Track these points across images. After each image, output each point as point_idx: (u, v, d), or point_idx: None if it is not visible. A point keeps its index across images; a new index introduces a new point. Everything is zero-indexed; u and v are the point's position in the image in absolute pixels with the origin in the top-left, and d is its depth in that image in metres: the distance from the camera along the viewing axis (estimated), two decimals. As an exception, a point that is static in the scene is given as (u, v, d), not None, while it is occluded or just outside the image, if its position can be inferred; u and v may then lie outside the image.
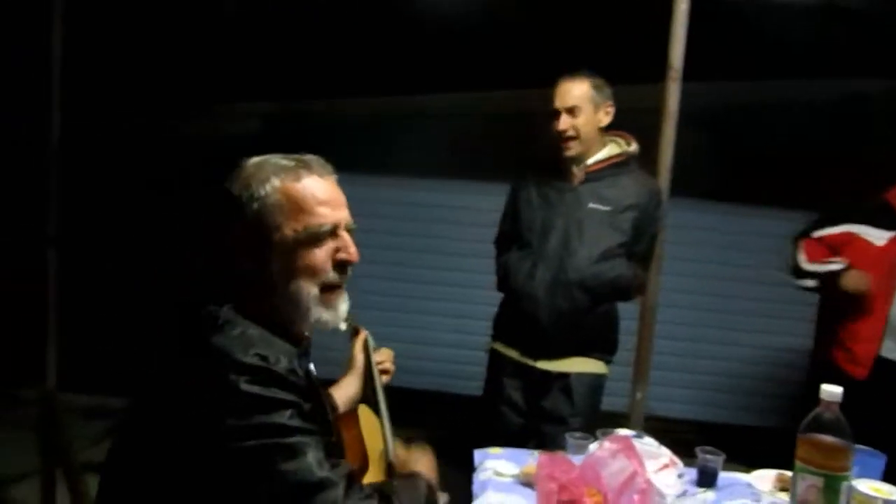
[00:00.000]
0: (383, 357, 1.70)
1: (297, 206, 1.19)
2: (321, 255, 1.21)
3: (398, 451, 1.49)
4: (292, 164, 1.22)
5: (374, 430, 1.61)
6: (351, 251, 1.24)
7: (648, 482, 1.38)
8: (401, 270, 4.34)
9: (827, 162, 3.77)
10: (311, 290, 1.20)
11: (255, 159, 1.24)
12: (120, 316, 4.21)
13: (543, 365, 2.49)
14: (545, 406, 2.50)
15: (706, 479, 1.73)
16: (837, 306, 2.89)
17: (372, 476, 1.52)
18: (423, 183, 4.39)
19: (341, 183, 1.28)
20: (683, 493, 1.62)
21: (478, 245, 3.13)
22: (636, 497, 1.36)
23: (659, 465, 1.65)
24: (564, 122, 2.43)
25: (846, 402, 1.40)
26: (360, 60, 4.05)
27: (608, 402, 2.65)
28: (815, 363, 3.26)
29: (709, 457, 1.74)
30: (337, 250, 1.23)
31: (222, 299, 1.19)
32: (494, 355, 2.63)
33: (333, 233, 1.22)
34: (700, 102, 2.94)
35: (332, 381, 1.65)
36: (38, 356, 3.14)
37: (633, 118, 2.58)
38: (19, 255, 3.26)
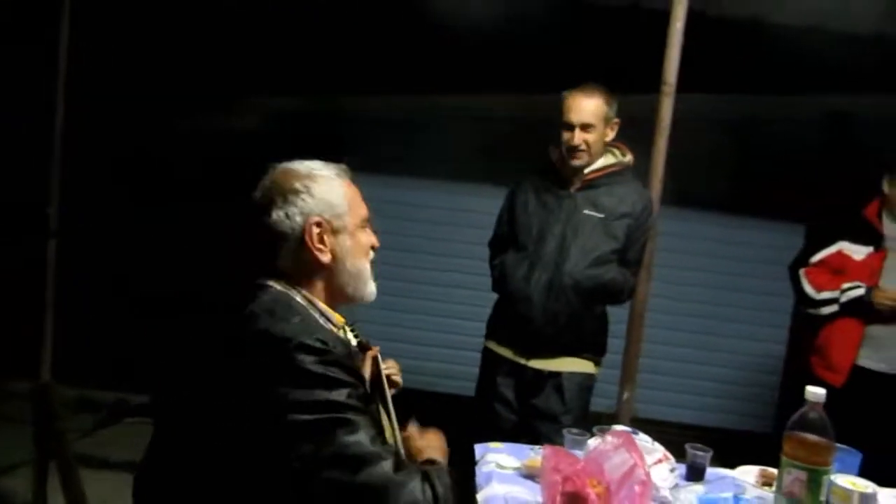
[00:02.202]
0: (391, 368, 1.79)
1: (353, 199, 1.43)
2: (368, 239, 1.46)
3: (413, 435, 1.56)
4: (335, 166, 1.45)
5: (389, 433, 1.68)
6: (375, 238, 1.49)
7: (648, 474, 1.47)
8: (396, 271, 4.40)
9: (812, 176, 3.91)
10: (367, 265, 1.45)
11: (297, 162, 1.43)
12: (113, 310, 4.22)
13: (536, 364, 2.58)
14: (537, 404, 2.59)
15: (695, 474, 1.83)
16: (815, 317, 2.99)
17: None
18: (421, 184, 4.47)
19: None
20: (676, 486, 1.71)
21: (472, 247, 3.21)
22: (637, 488, 1.45)
23: (653, 459, 1.74)
24: (578, 138, 2.52)
25: (823, 407, 1.51)
26: (364, 61, 4.10)
27: (596, 403, 2.75)
28: (792, 370, 3.38)
29: (698, 453, 1.84)
30: (370, 238, 1.47)
31: (270, 284, 1.35)
32: (488, 354, 2.71)
33: (368, 222, 1.48)
34: (693, 114, 3.05)
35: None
36: (30, 349, 3.16)
37: (626, 128, 2.68)
38: (18, 247, 3.27)
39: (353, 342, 1.67)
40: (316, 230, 1.36)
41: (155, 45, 4.04)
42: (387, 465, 1.19)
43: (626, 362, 2.81)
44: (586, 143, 2.53)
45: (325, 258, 1.37)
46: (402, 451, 1.60)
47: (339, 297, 1.42)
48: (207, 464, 1.23)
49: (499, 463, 1.84)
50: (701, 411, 4.45)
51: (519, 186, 2.72)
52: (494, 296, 2.75)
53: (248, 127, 4.51)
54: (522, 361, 2.60)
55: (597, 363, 2.66)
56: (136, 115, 4.18)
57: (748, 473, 1.88)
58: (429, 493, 1.22)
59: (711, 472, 1.87)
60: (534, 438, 2.54)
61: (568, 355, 2.58)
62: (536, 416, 2.59)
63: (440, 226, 4.50)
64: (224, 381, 1.24)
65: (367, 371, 1.75)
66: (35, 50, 3.00)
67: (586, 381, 2.63)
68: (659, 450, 1.78)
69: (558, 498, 1.48)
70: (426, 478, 1.25)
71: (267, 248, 1.38)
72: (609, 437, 1.56)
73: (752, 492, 1.76)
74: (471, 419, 2.71)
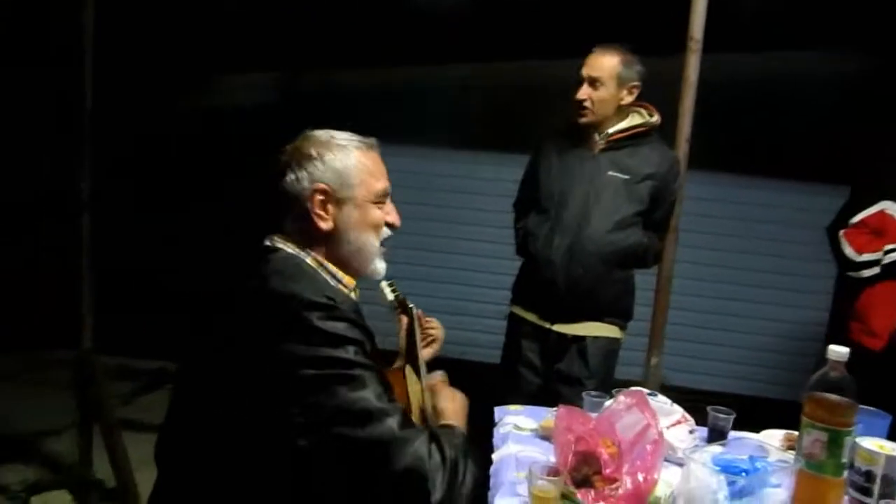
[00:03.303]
0: (435, 324, 1.86)
1: (369, 172, 1.41)
2: (380, 215, 1.43)
3: (438, 388, 1.58)
4: (359, 138, 1.44)
5: (416, 391, 1.71)
6: (396, 216, 1.47)
7: (660, 434, 1.46)
8: (421, 240, 4.42)
9: (846, 135, 3.76)
10: (374, 242, 1.42)
11: (324, 131, 1.43)
12: (150, 281, 4.34)
13: (560, 328, 2.57)
14: (561, 368, 2.58)
15: (716, 437, 1.80)
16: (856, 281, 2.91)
17: None
18: (444, 153, 4.45)
19: None
20: (694, 448, 1.69)
21: (495, 214, 3.19)
22: (648, 447, 1.44)
23: (671, 421, 1.72)
24: (583, 92, 2.48)
25: (862, 372, 1.47)
26: (381, 30, 4.08)
27: (624, 371, 2.73)
28: (835, 337, 3.30)
29: (719, 415, 1.81)
30: (387, 214, 1.45)
31: (281, 245, 1.36)
32: (513, 318, 2.71)
33: (386, 198, 1.45)
34: (719, 74, 2.95)
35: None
36: (73, 319, 3.27)
37: (653, 89, 2.61)
38: (56, 220, 3.38)
39: (391, 298, 1.71)
40: (319, 197, 1.36)
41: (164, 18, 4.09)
42: (392, 422, 1.19)
43: (653, 328, 2.77)
44: (591, 99, 2.48)
45: (325, 225, 1.37)
46: (428, 407, 1.63)
47: (342, 267, 1.41)
48: (220, 422, 1.25)
49: (516, 424, 1.85)
50: (735, 379, 4.37)
51: (542, 148, 2.68)
52: (518, 265, 2.74)
53: (271, 102, 4.54)
54: (546, 325, 2.59)
55: (622, 328, 2.63)
56: (148, 94, 4.25)
57: (773, 437, 1.84)
58: (436, 453, 1.22)
59: (735, 435, 1.84)
60: (558, 402, 2.53)
61: (591, 319, 2.56)
62: (560, 380, 2.58)
63: (467, 194, 4.48)
64: (234, 339, 1.25)
65: (402, 327, 1.79)
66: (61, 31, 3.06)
67: (611, 346, 2.60)
68: (677, 411, 1.76)
69: (570, 457, 1.47)
70: (434, 438, 1.25)
71: (280, 211, 1.40)
72: (622, 397, 1.54)
73: (776, 455, 1.72)
74: (497, 385, 2.73)
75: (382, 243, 1.45)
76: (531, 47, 3.89)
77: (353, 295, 1.43)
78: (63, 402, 3.27)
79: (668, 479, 1.49)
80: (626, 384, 2.58)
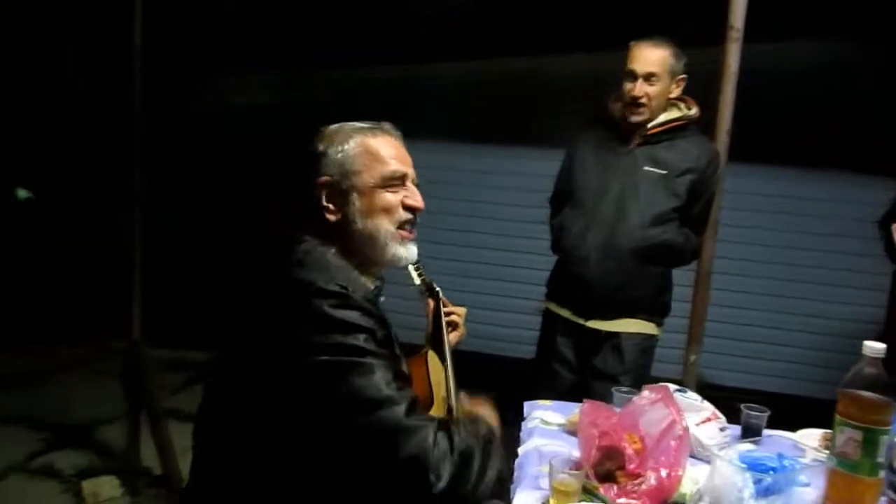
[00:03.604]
0: (455, 310, 1.84)
1: (373, 157, 1.39)
2: (394, 198, 1.40)
3: (462, 401, 1.58)
4: (368, 125, 1.44)
5: (439, 376, 1.72)
6: (417, 198, 1.43)
7: (685, 430, 1.43)
8: (456, 235, 4.43)
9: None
10: (388, 227, 1.39)
11: (335, 124, 1.43)
12: (201, 276, 4.46)
13: (594, 324, 2.54)
14: (596, 364, 2.55)
15: (750, 435, 1.76)
16: None
17: (434, 414, 1.63)
18: (479, 149, 4.45)
19: None
20: (725, 445, 1.66)
21: (533, 210, 3.17)
22: (673, 443, 1.42)
23: (701, 418, 1.69)
24: (640, 89, 2.41)
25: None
26: (422, 27, 4.09)
27: (662, 368, 2.68)
28: (886, 334, 3.17)
29: (752, 413, 1.77)
30: (405, 196, 1.42)
31: (307, 239, 1.37)
32: (548, 314, 2.69)
33: (402, 182, 1.41)
34: (760, 63, 2.86)
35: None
36: (123, 311, 3.39)
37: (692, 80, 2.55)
38: (109, 217, 3.51)
39: (417, 281, 1.72)
40: (325, 190, 1.38)
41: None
42: (399, 410, 1.20)
43: (691, 325, 2.71)
44: (648, 95, 2.43)
45: (333, 217, 1.37)
46: (453, 394, 1.64)
47: (362, 259, 1.39)
48: (240, 407, 1.29)
49: (543, 419, 1.84)
50: (779, 378, 4.24)
51: (577, 141, 2.65)
52: (553, 259, 2.72)
53: (316, 98, 4.60)
54: (581, 321, 2.56)
55: (658, 325, 2.59)
56: (197, 89, 4.36)
57: (810, 437, 1.79)
58: (443, 442, 1.21)
59: (771, 433, 1.80)
60: (592, 398, 2.51)
61: (626, 316, 2.52)
62: (595, 376, 2.55)
63: (505, 190, 4.46)
64: (254, 327, 1.29)
65: (428, 312, 1.81)
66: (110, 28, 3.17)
67: (646, 343, 2.56)
68: (708, 408, 1.73)
69: (594, 452, 1.46)
70: (444, 427, 1.24)
71: (306, 207, 1.42)
72: (646, 392, 1.53)
73: (812, 455, 1.68)
74: (530, 380, 2.72)
75: (405, 227, 1.41)
76: (559, 40, 3.84)
77: (375, 284, 1.43)
78: (118, 391, 3.40)
79: (695, 477, 1.47)
80: (663, 382, 2.55)
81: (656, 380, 2.55)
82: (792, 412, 1.87)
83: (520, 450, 1.69)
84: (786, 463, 1.43)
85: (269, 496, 1.27)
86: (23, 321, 4.58)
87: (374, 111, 1.57)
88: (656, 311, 2.57)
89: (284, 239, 1.42)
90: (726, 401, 1.88)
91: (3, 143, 4.58)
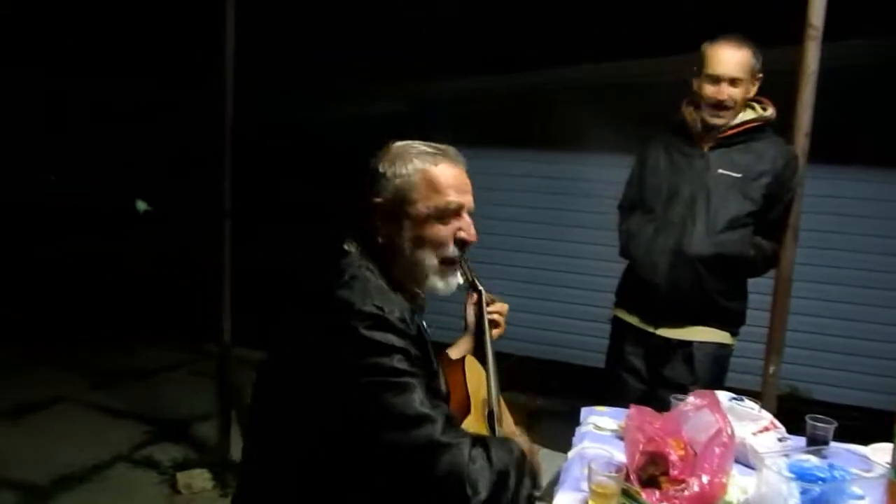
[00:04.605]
0: (496, 308, 1.82)
1: (431, 186, 1.38)
2: (445, 231, 1.39)
3: (507, 418, 1.59)
4: (432, 150, 1.42)
5: (479, 378, 1.74)
6: (471, 232, 1.41)
7: (731, 437, 1.40)
8: (529, 242, 4.42)
9: None
10: (432, 260, 1.39)
11: (400, 143, 1.44)
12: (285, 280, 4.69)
13: (663, 332, 2.48)
14: (666, 374, 2.49)
15: (814, 447, 1.68)
16: None
17: (472, 420, 1.65)
18: (550, 156, 4.43)
19: (474, 158, 1.45)
20: (785, 456, 1.59)
21: (604, 217, 3.14)
22: (717, 450, 1.39)
23: (759, 427, 1.64)
24: (724, 92, 2.36)
25: None
26: (499, 39, 4.14)
27: (740, 379, 2.59)
28: None
29: (818, 424, 1.69)
30: (459, 229, 1.40)
31: (352, 252, 1.39)
32: (617, 322, 2.65)
33: (458, 213, 1.40)
34: (842, 62, 2.72)
35: (447, 344, 1.81)
36: (216, 316, 3.61)
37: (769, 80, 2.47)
38: (201, 228, 3.77)
39: (460, 281, 1.72)
40: (378, 211, 1.38)
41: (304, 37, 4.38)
42: (433, 428, 1.22)
43: (770, 334, 2.60)
44: (732, 98, 2.37)
45: (381, 240, 1.38)
46: (495, 392, 1.66)
47: (402, 281, 1.39)
48: (282, 417, 1.34)
49: (597, 424, 1.84)
50: (854, 389, 3.96)
51: (648, 145, 2.60)
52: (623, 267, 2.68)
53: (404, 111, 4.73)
54: (650, 329, 2.52)
55: (733, 333, 2.50)
56: (287, 103, 4.56)
57: (880, 450, 1.69)
58: (480, 458, 1.23)
59: (840, 447, 1.71)
60: (662, 409, 2.45)
61: (697, 324, 2.45)
62: (664, 385, 2.48)
63: (576, 197, 4.42)
64: (297, 341, 1.34)
65: (470, 312, 1.82)
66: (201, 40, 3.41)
67: (720, 352, 2.48)
68: (766, 417, 1.67)
69: (638, 457, 1.46)
70: (481, 444, 1.26)
71: (359, 222, 1.44)
72: (691, 398, 1.50)
73: (879, 470, 1.59)
74: (602, 390, 2.68)
75: (454, 259, 1.41)
76: (643, 45, 3.78)
77: (415, 302, 1.43)
78: (213, 391, 3.63)
79: (743, 485, 1.43)
80: (742, 394, 2.46)
81: (734, 392, 2.48)
82: (867, 425, 1.77)
83: (569, 454, 1.70)
84: (836, 474, 1.36)
85: None
86: (129, 322, 4.99)
87: (436, 120, 1.60)
88: (729, 319, 2.48)
89: (333, 249, 1.45)
90: (802, 413, 1.80)
91: (117, 157, 4.98)
